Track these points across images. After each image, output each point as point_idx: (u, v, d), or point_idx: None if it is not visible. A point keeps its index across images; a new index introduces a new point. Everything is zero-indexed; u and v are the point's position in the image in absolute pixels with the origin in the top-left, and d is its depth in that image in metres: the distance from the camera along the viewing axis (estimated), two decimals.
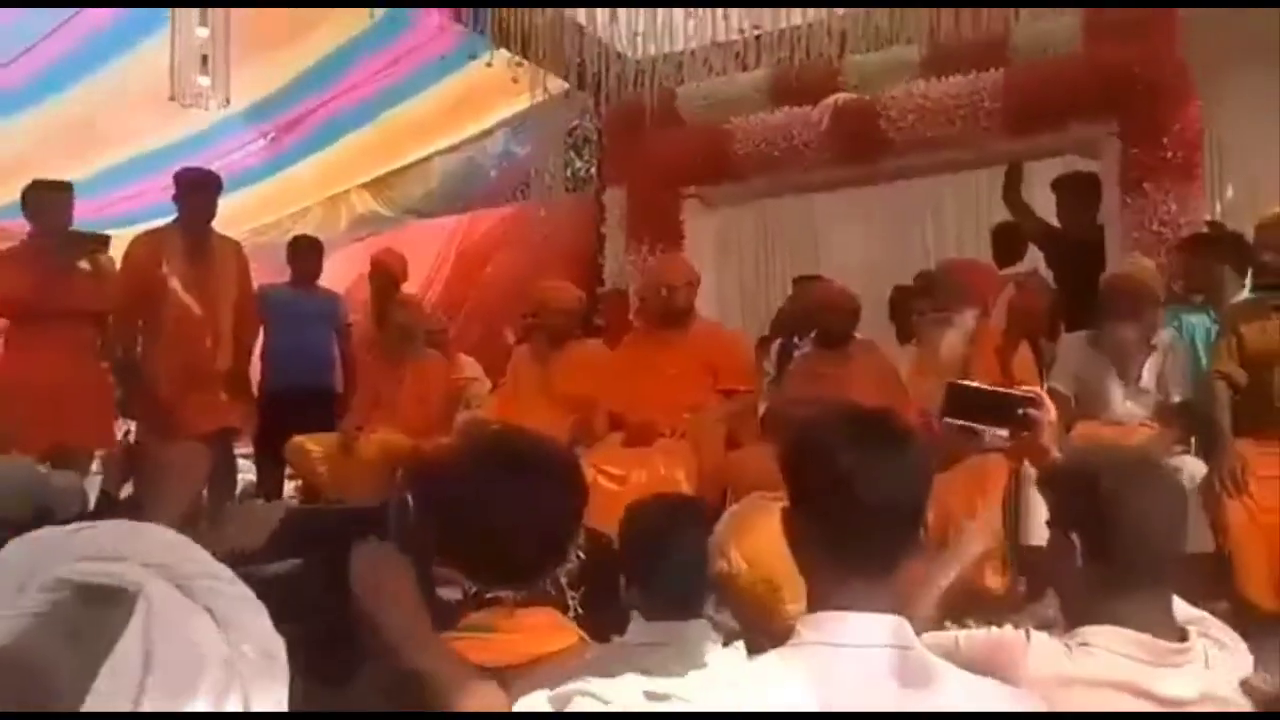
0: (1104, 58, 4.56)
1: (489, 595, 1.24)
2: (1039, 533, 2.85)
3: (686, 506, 2.00)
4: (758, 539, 2.68)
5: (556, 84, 6.05)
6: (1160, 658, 1.34)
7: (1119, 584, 1.40)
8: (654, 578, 1.60)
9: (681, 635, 1.61)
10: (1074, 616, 1.45)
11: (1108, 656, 1.34)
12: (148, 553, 0.68)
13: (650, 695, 1.07)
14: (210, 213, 4.72)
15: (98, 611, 0.64)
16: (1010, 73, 4.75)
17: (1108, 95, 4.43)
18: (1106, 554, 1.39)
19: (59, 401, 4.25)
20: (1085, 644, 1.36)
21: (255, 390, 5.74)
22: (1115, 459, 1.55)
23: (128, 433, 5.11)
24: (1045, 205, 4.96)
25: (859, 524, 1.16)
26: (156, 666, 0.62)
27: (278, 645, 0.69)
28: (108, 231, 4.85)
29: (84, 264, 4.48)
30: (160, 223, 4.83)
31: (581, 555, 1.29)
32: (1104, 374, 3.81)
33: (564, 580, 1.27)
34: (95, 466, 4.73)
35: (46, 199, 4.47)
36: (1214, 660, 1.39)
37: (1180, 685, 1.32)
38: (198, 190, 4.68)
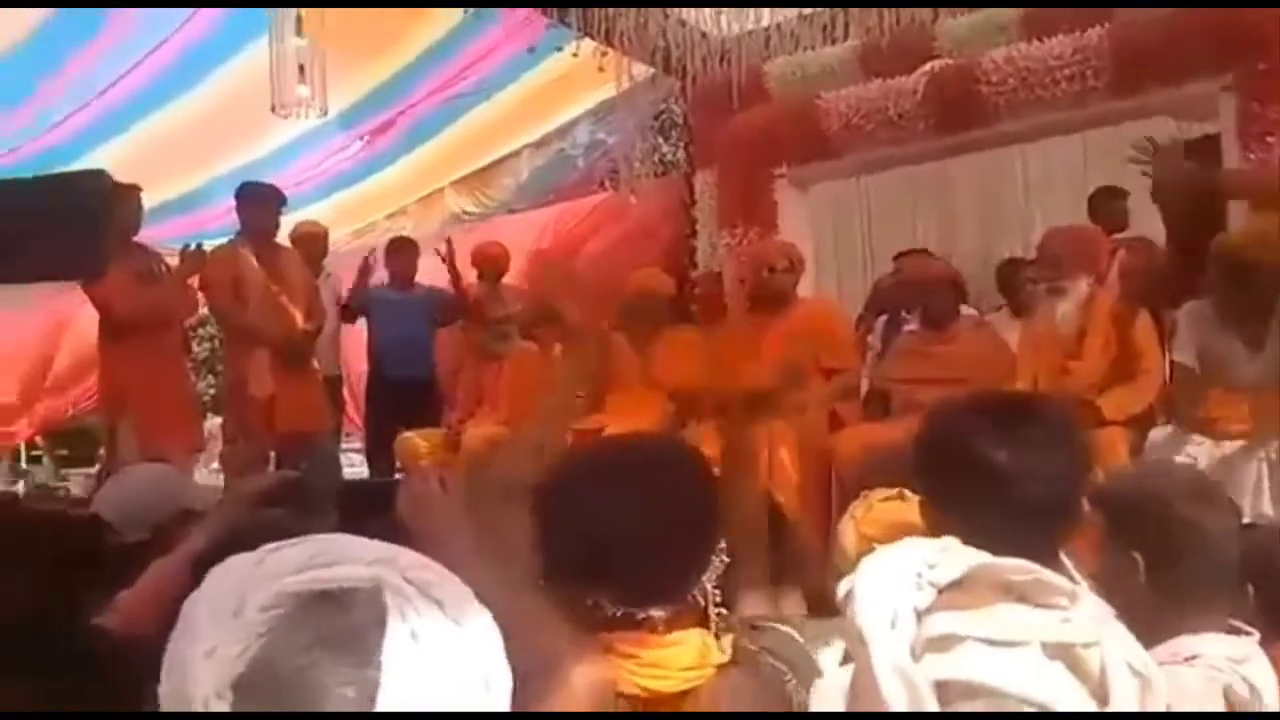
0: (1215, 7, 4.33)
1: (640, 616, 1.14)
2: None
3: None
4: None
5: (641, 69, 6.01)
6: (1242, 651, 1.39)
7: (1184, 598, 1.44)
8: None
9: None
10: (1142, 632, 1.43)
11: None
12: (364, 555, 0.69)
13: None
14: (276, 224, 4.85)
15: (340, 616, 0.65)
16: (1116, 29, 4.53)
17: (1222, 47, 4.20)
18: (1171, 571, 1.44)
19: (155, 406, 4.39)
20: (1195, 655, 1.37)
21: (363, 388, 5.92)
22: (1177, 481, 1.60)
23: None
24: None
25: (1011, 522, 1.10)
26: (426, 659, 0.65)
27: (498, 638, 0.71)
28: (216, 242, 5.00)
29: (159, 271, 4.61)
30: None
31: (726, 559, 1.18)
32: (1229, 341, 3.63)
33: (712, 590, 1.17)
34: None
35: (132, 203, 4.51)
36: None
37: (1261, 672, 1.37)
38: (264, 203, 4.80)
